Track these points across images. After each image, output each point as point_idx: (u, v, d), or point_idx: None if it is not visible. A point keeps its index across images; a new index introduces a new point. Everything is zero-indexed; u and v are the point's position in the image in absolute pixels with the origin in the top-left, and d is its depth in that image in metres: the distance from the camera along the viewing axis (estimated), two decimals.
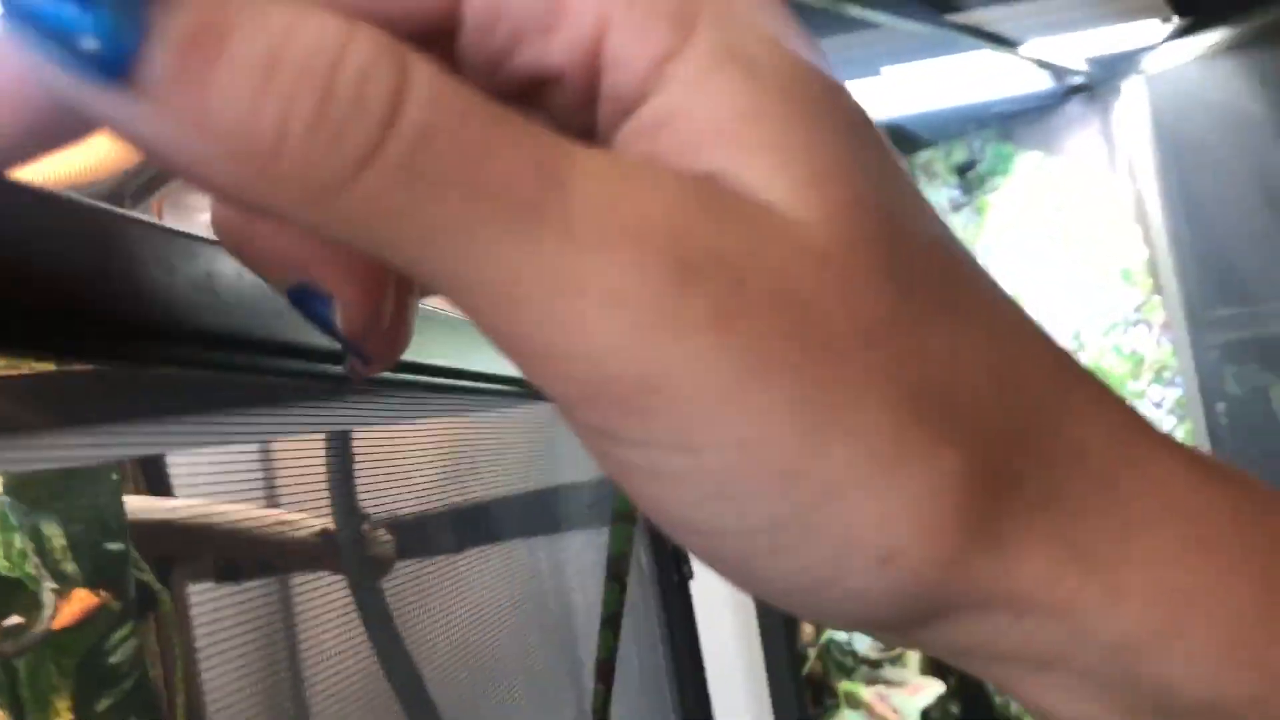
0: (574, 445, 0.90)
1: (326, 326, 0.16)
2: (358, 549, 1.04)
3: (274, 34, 0.11)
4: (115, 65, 0.11)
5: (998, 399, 0.14)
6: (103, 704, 0.83)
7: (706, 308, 0.13)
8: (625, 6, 0.14)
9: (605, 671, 0.64)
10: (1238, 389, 1.90)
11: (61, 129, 0.14)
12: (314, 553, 1.03)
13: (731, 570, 0.15)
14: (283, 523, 1.01)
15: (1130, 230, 1.77)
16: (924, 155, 2.04)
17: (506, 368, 0.62)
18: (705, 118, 0.14)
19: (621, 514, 0.69)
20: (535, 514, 1.04)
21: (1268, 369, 2.02)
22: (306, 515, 1.04)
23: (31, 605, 0.80)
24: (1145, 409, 1.77)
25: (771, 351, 0.13)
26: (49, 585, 0.79)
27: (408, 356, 0.58)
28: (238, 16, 0.11)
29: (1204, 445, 1.70)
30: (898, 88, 1.75)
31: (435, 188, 0.12)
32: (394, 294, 0.17)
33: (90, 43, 0.11)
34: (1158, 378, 1.75)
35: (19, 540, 0.76)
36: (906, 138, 2.05)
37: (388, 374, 0.53)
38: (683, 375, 0.13)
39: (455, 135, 0.12)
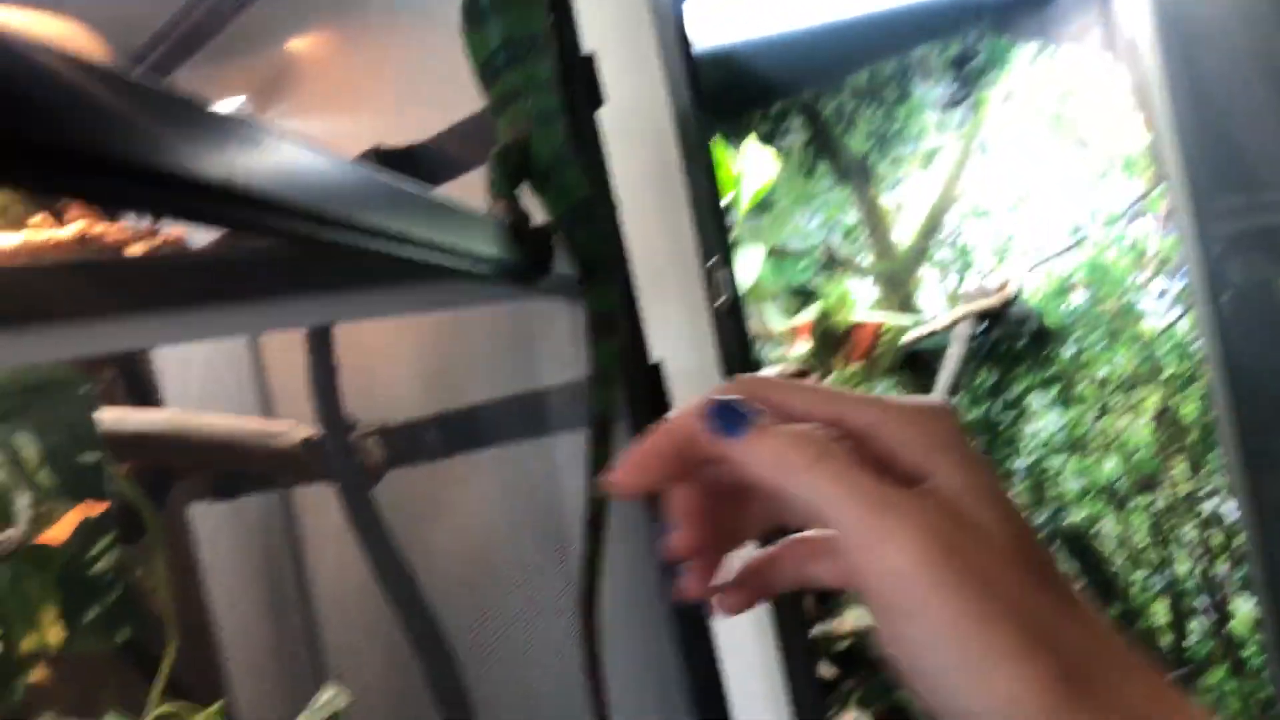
0: (554, 346, 0.88)
1: (725, 431, 0.35)
2: (346, 457, 1.02)
3: (798, 430, 0.34)
4: (738, 431, 0.34)
5: (1080, 643, 0.30)
6: (91, 614, 0.82)
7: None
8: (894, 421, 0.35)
9: (603, 426, 0.66)
10: (1241, 280, 1.87)
11: (680, 466, 0.37)
12: (301, 462, 1.02)
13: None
14: (266, 432, 1.00)
15: (1132, 118, 1.72)
16: (919, 51, 1.98)
17: (489, 248, 0.58)
18: None
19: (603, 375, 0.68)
20: (520, 416, 1.02)
21: (1274, 260, 1.98)
22: (292, 423, 1.03)
23: (3, 515, 0.78)
24: (1148, 302, 1.74)
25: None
26: (24, 496, 0.77)
27: (395, 226, 0.54)
28: (784, 428, 0.34)
29: (1208, 337, 1.68)
30: None
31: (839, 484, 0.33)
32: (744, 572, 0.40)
33: (733, 428, 0.34)
34: (1161, 269, 1.72)
35: None
36: (901, 33, 1.99)
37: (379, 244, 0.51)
38: None
39: (853, 480, 0.32)
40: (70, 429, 0.81)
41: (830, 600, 1.75)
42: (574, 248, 0.70)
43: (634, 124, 1.04)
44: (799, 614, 1.05)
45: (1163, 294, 1.72)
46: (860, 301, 2.08)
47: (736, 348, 1.00)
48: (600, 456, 0.67)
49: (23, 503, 0.78)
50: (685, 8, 1.03)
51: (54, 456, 0.80)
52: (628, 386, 0.91)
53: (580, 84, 0.92)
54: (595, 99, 0.92)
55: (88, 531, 0.82)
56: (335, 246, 0.47)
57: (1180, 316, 1.70)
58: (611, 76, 0.97)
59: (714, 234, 1.02)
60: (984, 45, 1.89)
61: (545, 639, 1.00)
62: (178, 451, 0.94)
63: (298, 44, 1.37)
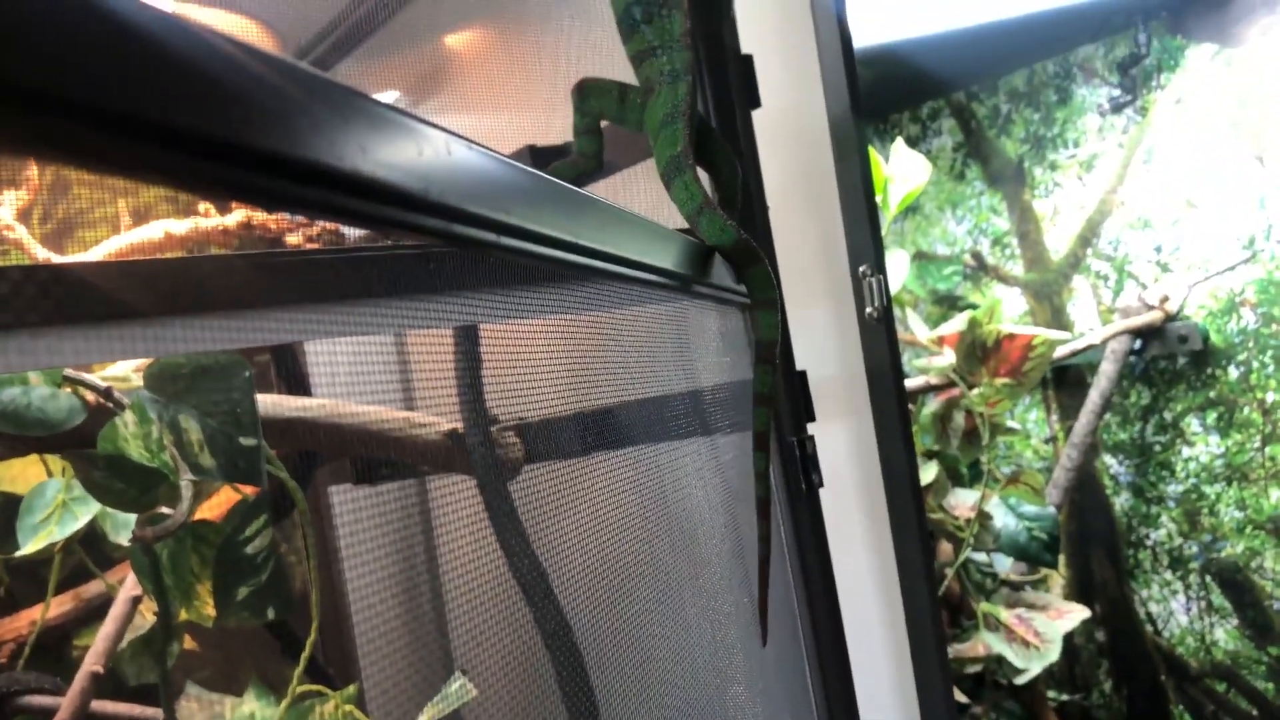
0: (707, 346, 0.87)
1: None
2: (487, 451, 1.04)
3: None
4: None
5: None
6: (242, 592, 0.85)
7: None
8: None
9: (763, 441, 0.71)
10: None
11: None
12: (444, 453, 1.03)
13: None
14: (413, 423, 1.01)
15: None
16: (1083, 51, 1.90)
17: (659, 258, 0.58)
18: None
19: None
20: (666, 416, 1.01)
21: None
22: (437, 417, 1.04)
23: (170, 494, 0.82)
24: None
25: None
26: (187, 476, 0.80)
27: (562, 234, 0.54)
28: None
29: None
30: None
31: None
32: None
33: None
34: None
35: (157, 431, 0.77)
36: (1063, 33, 1.91)
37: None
38: None
39: None
40: (231, 412, 0.84)
41: (962, 623, 1.69)
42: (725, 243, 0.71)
43: (789, 126, 1.02)
44: (938, 630, 1.01)
45: None
46: (1008, 312, 2.01)
47: (886, 357, 0.97)
48: (762, 465, 0.72)
49: (185, 482, 0.81)
50: (846, 8, 1.00)
51: (214, 438, 0.83)
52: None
53: (737, 83, 0.90)
54: (752, 99, 0.91)
55: (244, 512, 0.85)
56: (502, 250, 0.46)
57: None
58: (771, 78, 0.95)
59: (866, 241, 0.99)
60: (1154, 46, 1.79)
61: (669, 645, 0.99)
62: (330, 439, 0.97)
63: (455, 40, 1.39)
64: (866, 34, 1.81)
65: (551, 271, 0.72)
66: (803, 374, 0.89)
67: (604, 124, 0.94)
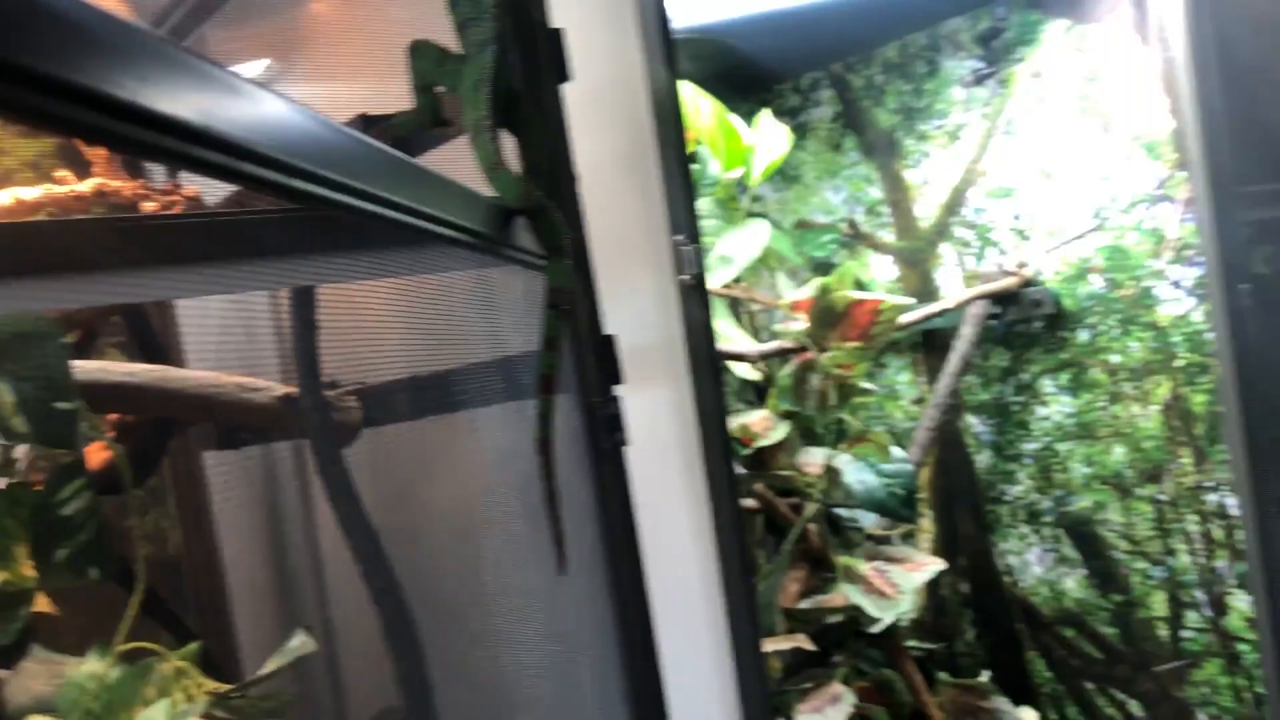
0: (515, 310, 0.90)
1: None
2: (321, 414, 1.06)
3: None
4: None
5: None
6: (60, 553, 0.87)
7: None
8: None
9: (547, 384, 0.75)
10: (1266, 269, 1.82)
11: None
12: (276, 417, 1.06)
13: None
14: (244, 387, 1.04)
15: (1158, 102, 1.68)
16: (949, 24, 1.95)
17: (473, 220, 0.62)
18: None
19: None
20: (487, 381, 1.05)
21: None
22: (269, 381, 1.07)
23: None
24: (1165, 289, 1.71)
25: None
26: None
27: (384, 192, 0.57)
28: None
29: (1224, 327, 1.64)
30: None
31: None
32: None
33: None
34: (1179, 256, 1.69)
35: None
36: (933, 6, 1.96)
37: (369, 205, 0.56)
38: None
39: None
40: (46, 377, 0.86)
41: (823, 574, 1.77)
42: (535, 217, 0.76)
43: (607, 100, 1.05)
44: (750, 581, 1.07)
45: (1179, 283, 1.69)
46: (878, 278, 2.07)
47: (699, 322, 1.02)
48: (545, 408, 0.77)
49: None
50: None
51: (28, 403, 0.85)
52: (581, 356, 0.93)
53: (546, 56, 0.93)
54: (561, 72, 0.94)
55: (59, 475, 0.87)
56: (326, 208, 0.50)
57: (1196, 305, 1.67)
58: (588, 53, 0.98)
59: (683, 211, 1.03)
60: (1013, 20, 1.85)
61: (500, 591, 1.03)
62: (159, 404, 0.99)
63: (319, 6, 1.40)
64: (747, 4, 1.85)
65: (382, 237, 0.75)
66: (609, 338, 0.94)
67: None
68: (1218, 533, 1.69)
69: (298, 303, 1.06)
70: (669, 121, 1.04)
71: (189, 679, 1.01)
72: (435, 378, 1.11)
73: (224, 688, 1.00)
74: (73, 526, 0.89)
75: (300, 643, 1.06)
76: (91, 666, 1.04)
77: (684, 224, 1.02)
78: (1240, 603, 1.67)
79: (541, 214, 0.75)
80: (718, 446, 1.00)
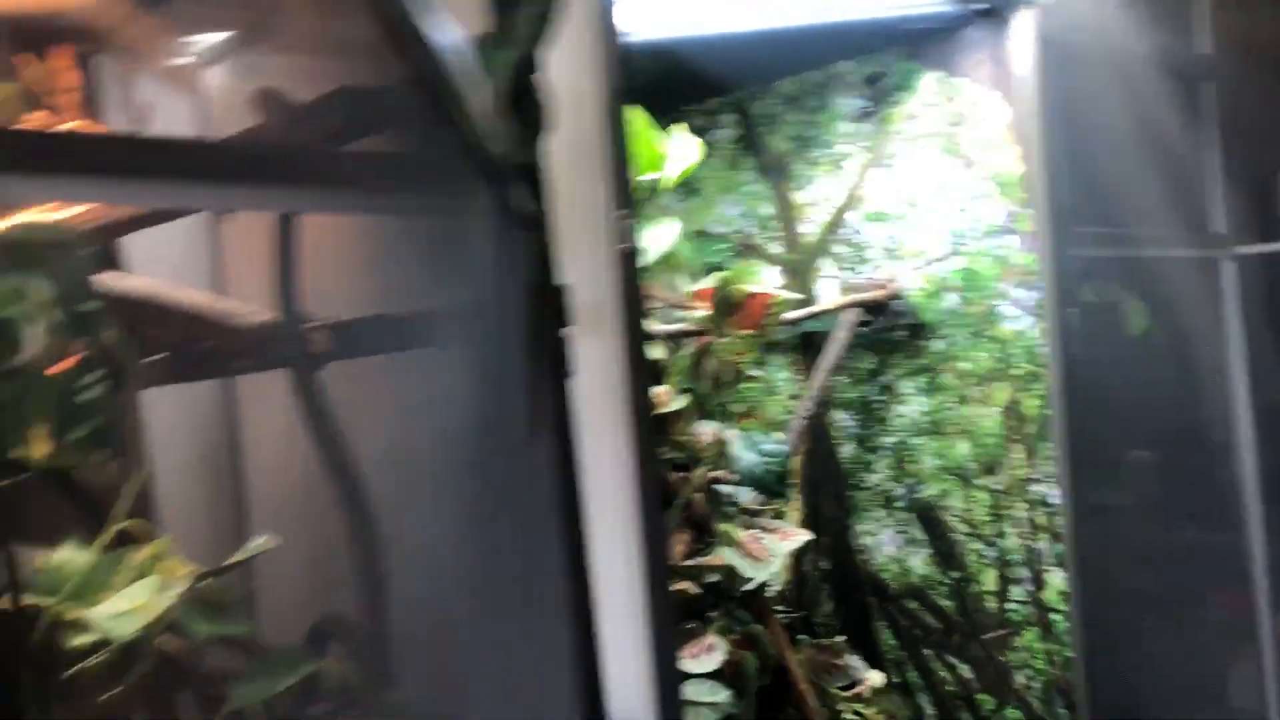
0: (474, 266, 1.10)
1: None
2: (298, 342, 1.21)
3: None
4: None
5: None
6: (75, 435, 1.01)
7: None
8: None
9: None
10: (1093, 298, 2.14)
11: None
12: (261, 339, 1.20)
13: None
14: (233, 311, 1.18)
15: (1010, 148, 1.97)
16: (841, 66, 2.22)
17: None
18: None
19: None
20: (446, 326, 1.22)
21: (1122, 286, 2.26)
22: (254, 306, 1.22)
23: (9, 347, 0.96)
24: (1008, 308, 2.00)
25: None
26: (32, 329, 0.95)
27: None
28: None
29: (1052, 344, 1.93)
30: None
31: None
32: None
33: None
34: (1022, 281, 1.97)
35: (8, 287, 0.93)
36: (828, 48, 2.22)
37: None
38: None
39: None
40: (78, 280, 0.99)
41: (705, 539, 1.97)
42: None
43: (570, 94, 1.24)
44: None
45: (1019, 303, 1.97)
46: (765, 284, 2.31)
47: (629, 282, 1.22)
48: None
49: (34, 334, 0.96)
50: (615, 4, 1.24)
51: (60, 300, 0.99)
52: (536, 300, 1.12)
53: None
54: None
55: (80, 366, 1.01)
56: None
57: (1033, 323, 1.96)
58: (556, 55, 1.18)
59: (624, 193, 1.24)
60: (895, 68, 2.13)
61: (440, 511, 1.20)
62: (159, 315, 1.13)
63: None
64: (659, 27, 2.07)
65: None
66: (562, 288, 1.12)
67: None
68: (1040, 518, 1.97)
69: (282, 236, 1.20)
70: (614, 117, 1.24)
71: (166, 563, 1.15)
72: (394, 318, 1.27)
73: (198, 571, 1.14)
74: (88, 413, 1.02)
75: (261, 541, 1.21)
76: (67, 554, 1.16)
77: (623, 202, 1.23)
78: (1056, 579, 1.95)
79: (533, 171, 0.93)
80: (641, 388, 1.20)
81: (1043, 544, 1.97)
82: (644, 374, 1.22)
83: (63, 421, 1.01)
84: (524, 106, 0.98)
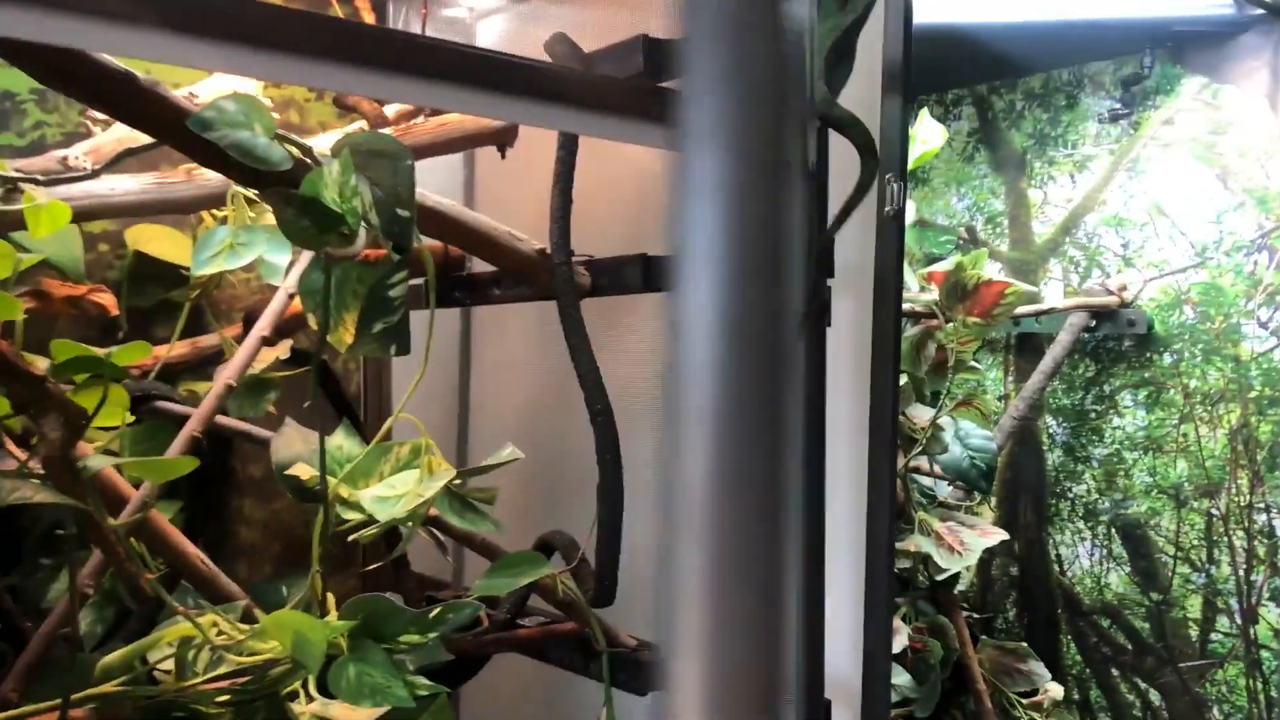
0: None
1: None
2: (565, 273, 1.29)
3: None
4: None
5: None
6: (377, 327, 1.10)
7: None
8: None
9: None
10: None
11: None
12: (533, 266, 1.29)
13: None
14: (515, 236, 1.27)
15: (1274, 162, 1.89)
16: (1093, 66, 2.16)
17: None
18: None
19: None
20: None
21: None
22: (530, 237, 1.30)
23: (339, 240, 1.06)
24: (1251, 327, 1.91)
25: None
26: (362, 225, 1.05)
27: None
28: None
29: None
30: None
31: None
32: None
33: None
34: (1269, 300, 1.89)
35: (352, 182, 1.02)
36: (1081, 46, 2.17)
37: None
38: None
39: None
40: (394, 188, 1.09)
41: (901, 527, 1.98)
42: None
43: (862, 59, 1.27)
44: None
45: (1266, 324, 1.89)
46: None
47: (894, 244, 1.24)
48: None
49: (362, 228, 1.06)
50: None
51: (380, 204, 1.08)
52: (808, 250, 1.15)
53: None
54: None
55: (393, 264, 1.10)
56: None
57: (1277, 345, 1.87)
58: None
59: (899, 158, 1.26)
60: (1155, 71, 2.06)
61: None
62: (456, 231, 1.22)
63: None
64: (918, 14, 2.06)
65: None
66: (830, 238, 1.16)
67: None
68: (1261, 550, 1.88)
69: (561, 172, 1.28)
70: (899, 86, 1.26)
71: (426, 459, 1.24)
72: (652, 258, 1.33)
73: (455, 469, 1.23)
74: (391, 308, 1.12)
75: (510, 451, 1.29)
76: (340, 440, 1.27)
77: (895, 166, 1.25)
78: (1270, 614, 1.87)
79: (853, 124, 0.98)
80: (892, 356, 1.22)
81: (1259, 576, 1.89)
82: (897, 342, 1.24)
83: (370, 311, 1.11)
84: (840, 69, 1.02)
